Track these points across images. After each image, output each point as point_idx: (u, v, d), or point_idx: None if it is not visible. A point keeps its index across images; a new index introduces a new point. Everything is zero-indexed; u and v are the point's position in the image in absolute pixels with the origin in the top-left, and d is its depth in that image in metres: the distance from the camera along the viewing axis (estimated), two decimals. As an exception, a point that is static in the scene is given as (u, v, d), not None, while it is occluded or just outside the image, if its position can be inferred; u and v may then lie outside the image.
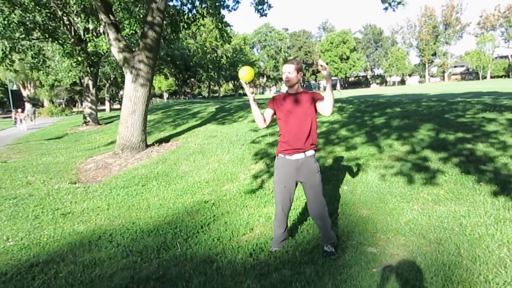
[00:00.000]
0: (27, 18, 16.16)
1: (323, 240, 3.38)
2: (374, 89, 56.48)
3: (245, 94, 72.33)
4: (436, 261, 2.98)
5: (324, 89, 3.13)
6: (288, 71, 3.21)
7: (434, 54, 79.77)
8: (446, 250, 3.13)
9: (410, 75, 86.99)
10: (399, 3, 11.40)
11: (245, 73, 3.13)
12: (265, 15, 13.10)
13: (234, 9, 13.92)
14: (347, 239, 3.59)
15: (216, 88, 73.68)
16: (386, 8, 11.85)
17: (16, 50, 17.58)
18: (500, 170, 4.73)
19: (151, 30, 9.20)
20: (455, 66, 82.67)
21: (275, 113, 3.37)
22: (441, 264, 2.92)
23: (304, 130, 3.21)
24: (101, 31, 14.93)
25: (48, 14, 16.45)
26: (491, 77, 71.32)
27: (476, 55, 71.06)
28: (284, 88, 3.10)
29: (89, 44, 16.87)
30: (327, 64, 3.01)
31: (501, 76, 70.33)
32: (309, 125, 3.22)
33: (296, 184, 3.37)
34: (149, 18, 9.17)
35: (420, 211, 3.95)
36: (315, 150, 3.36)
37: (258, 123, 3.38)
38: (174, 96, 73.13)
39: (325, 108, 3.11)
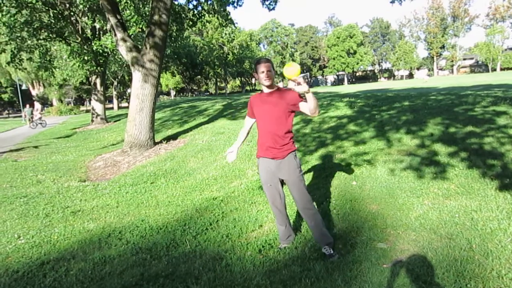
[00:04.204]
0: (34, 18, 16.29)
1: (318, 240, 3.34)
2: (382, 83, 56.04)
3: (252, 91, 71.72)
4: (448, 256, 2.94)
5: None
6: (268, 69, 3.11)
7: (443, 47, 78.74)
8: (458, 245, 3.09)
9: (418, 69, 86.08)
10: None
11: (293, 70, 2.80)
12: (273, 9, 13.07)
13: (240, 5, 13.90)
14: (357, 235, 3.56)
15: (223, 85, 73.68)
16: (392, 1, 11.80)
17: (24, 49, 17.75)
18: (512, 163, 4.66)
19: (157, 28, 9.21)
20: (464, 59, 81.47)
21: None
22: (452, 260, 2.89)
23: (280, 130, 3.16)
24: (108, 29, 15.02)
25: (55, 14, 16.56)
26: (501, 69, 70.29)
27: (485, 47, 70.03)
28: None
29: (93, 43, 17.02)
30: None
31: (511, 68, 69.26)
32: (284, 123, 3.17)
33: (282, 181, 3.35)
34: (155, 17, 9.18)
35: (430, 206, 3.91)
36: (295, 146, 3.31)
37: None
38: (181, 94, 73.32)
39: (312, 107, 3.00)
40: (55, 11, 16.42)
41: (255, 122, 3.44)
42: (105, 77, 25.54)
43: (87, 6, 15.46)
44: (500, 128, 6.03)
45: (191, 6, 14.59)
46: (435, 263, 2.87)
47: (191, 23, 14.58)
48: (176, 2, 13.96)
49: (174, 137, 11.00)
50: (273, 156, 3.22)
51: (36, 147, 11.56)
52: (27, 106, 28.75)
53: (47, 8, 15.77)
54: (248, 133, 3.60)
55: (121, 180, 7.26)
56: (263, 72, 3.11)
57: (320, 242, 3.32)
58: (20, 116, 37.65)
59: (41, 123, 24.60)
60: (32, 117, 25.16)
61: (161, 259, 3.61)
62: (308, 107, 3.00)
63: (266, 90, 3.24)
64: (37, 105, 50.56)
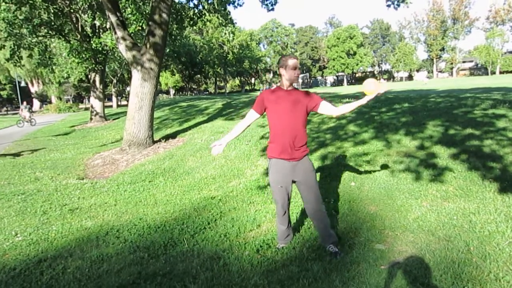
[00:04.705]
0: (34, 15, 16.26)
1: (324, 240, 3.34)
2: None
3: (251, 90, 71.44)
4: (445, 258, 2.95)
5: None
6: (299, 66, 3.15)
7: (442, 49, 78.82)
8: (456, 247, 3.09)
9: (417, 71, 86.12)
10: (402, 1, 11.42)
11: (374, 87, 3.00)
12: (272, 9, 13.06)
13: (240, 5, 13.89)
14: (355, 236, 3.56)
15: (222, 84, 73.66)
16: (388, 5, 11.86)
17: (23, 46, 17.70)
18: (510, 167, 4.66)
19: (157, 27, 9.19)
20: (463, 62, 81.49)
21: (263, 112, 3.28)
22: (450, 262, 2.89)
23: (298, 130, 3.13)
24: (108, 26, 15.00)
25: (55, 11, 16.53)
26: (500, 73, 70.38)
27: (485, 50, 70.10)
28: (291, 85, 3.04)
29: (92, 40, 16.99)
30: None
31: (510, 72, 69.24)
32: (302, 124, 3.15)
33: (292, 182, 3.30)
34: (155, 16, 9.16)
35: (428, 208, 3.91)
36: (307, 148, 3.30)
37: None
38: (180, 92, 73.24)
39: (339, 111, 3.18)
40: (55, 8, 16.38)
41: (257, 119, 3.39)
42: (105, 75, 25.47)
43: (87, 3, 15.44)
44: (499, 131, 6.04)
45: (191, 5, 14.59)
46: (432, 265, 2.87)
47: (191, 22, 14.57)
48: (176, 0, 13.93)
49: (173, 136, 10.99)
50: (290, 157, 3.14)
51: (34, 150, 11.51)
52: (25, 103, 28.52)
53: (47, 5, 15.73)
54: (245, 129, 3.42)
55: (120, 178, 7.25)
56: (295, 68, 3.11)
57: (326, 242, 3.32)
58: (18, 113, 37.43)
59: (29, 122, 24.20)
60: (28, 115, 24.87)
61: (158, 257, 3.60)
62: (346, 108, 3.17)
63: (285, 88, 3.19)
64: (35, 103, 50.20)
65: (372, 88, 2.99)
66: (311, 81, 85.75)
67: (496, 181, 4.30)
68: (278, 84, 3.28)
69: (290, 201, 3.41)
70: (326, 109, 3.17)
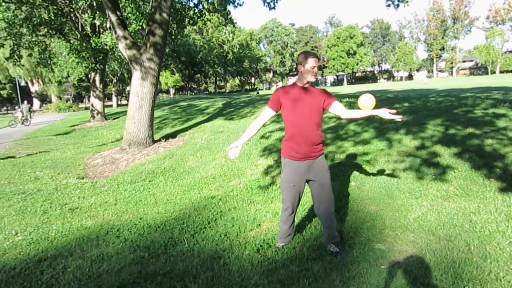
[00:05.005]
0: (34, 14, 16.26)
1: (327, 239, 3.33)
2: (382, 84, 56.11)
3: (251, 90, 71.47)
4: (446, 258, 2.94)
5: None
6: (317, 65, 3.08)
7: (442, 49, 78.88)
8: (456, 247, 3.09)
9: (417, 70, 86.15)
10: (401, 0, 11.46)
11: (370, 102, 3.01)
12: (274, 8, 13.04)
13: (240, 5, 13.89)
14: (355, 235, 3.56)
15: (222, 83, 73.69)
16: (388, 5, 11.90)
17: (23, 46, 17.68)
18: (511, 166, 4.66)
19: (157, 27, 9.19)
20: (463, 61, 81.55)
21: (279, 109, 3.17)
22: (450, 261, 2.89)
23: (314, 128, 3.09)
24: (108, 26, 14.99)
25: (55, 11, 16.53)
26: (500, 72, 70.41)
27: (485, 50, 70.16)
28: (308, 83, 3.00)
29: (92, 40, 17.00)
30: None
31: (510, 71, 69.30)
32: (318, 123, 3.12)
33: (306, 182, 3.27)
34: (155, 16, 9.16)
35: (429, 207, 3.91)
36: (323, 147, 3.28)
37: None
38: (180, 92, 73.23)
39: (348, 115, 3.18)
40: (55, 8, 16.38)
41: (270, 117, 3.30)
42: (105, 74, 25.44)
43: (87, 3, 15.42)
44: (500, 130, 6.03)
45: (191, 5, 14.58)
46: (433, 265, 2.87)
47: (191, 21, 14.56)
48: (176, 0, 13.92)
49: (173, 135, 10.99)
50: (306, 156, 3.11)
51: (35, 153, 11.46)
52: (25, 102, 28.37)
53: (46, 4, 15.72)
54: (260, 127, 3.32)
55: (120, 177, 7.24)
56: (314, 67, 3.04)
57: (329, 241, 3.31)
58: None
59: (22, 122, 24.00)
60: (30, 115, 24.67)
61: (159, 257, 3.60)
62: (356, 114, 3.16)
63: (302, 85, 3.11)
64: (35, 103, 50.13)
65: (367, 104, 2.98)
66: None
67: (497, 180, 4.30)
68: (295, 81, 3.23)
69: (300, 201, 3.40)
70: (337, 109, 3.14)
